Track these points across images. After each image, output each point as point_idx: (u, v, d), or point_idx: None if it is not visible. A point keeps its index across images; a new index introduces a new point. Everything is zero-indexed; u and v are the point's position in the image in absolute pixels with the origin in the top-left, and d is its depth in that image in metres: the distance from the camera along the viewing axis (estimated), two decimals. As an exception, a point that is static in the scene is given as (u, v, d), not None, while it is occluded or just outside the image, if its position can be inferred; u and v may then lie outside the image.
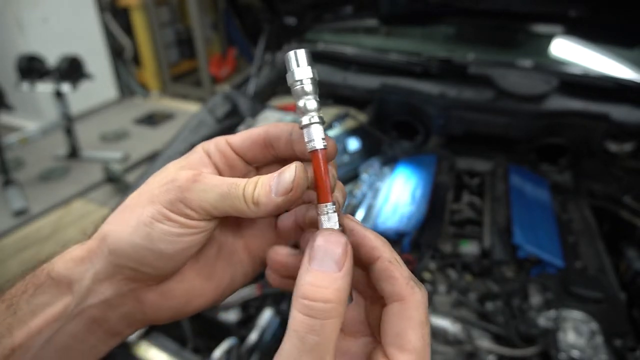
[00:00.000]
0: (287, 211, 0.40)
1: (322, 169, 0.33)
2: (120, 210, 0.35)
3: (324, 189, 0.33)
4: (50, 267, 0.35)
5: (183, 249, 0.34)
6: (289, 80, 0.34)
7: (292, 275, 0.35)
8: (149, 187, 0.35)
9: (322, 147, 0.33)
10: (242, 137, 0.38)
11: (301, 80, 0.33)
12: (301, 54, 0.33)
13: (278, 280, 0.37)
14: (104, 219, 0.36)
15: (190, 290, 0.37)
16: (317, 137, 0.33)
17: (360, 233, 0.33)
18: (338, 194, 0.36)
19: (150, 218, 0.33)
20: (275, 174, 0.33)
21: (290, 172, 0.32)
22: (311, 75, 0.33)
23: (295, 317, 0.27)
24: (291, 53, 0.33)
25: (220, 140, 0.38)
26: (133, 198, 0.35)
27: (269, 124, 0.37)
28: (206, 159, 0.37)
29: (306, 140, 0.33)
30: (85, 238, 0.36)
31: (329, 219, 0.32)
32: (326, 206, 0.32)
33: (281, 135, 0.36)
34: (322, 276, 0.28)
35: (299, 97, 0.34)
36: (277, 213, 0.35)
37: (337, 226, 0.32)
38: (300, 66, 0.33)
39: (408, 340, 0.30)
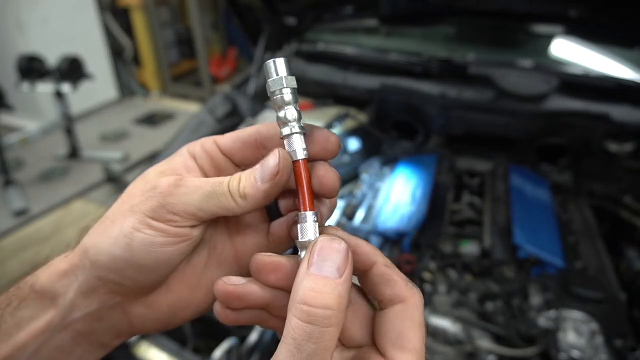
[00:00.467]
0: (280, 215, 0.38)
1: (304, 179, 0.32)
2: (102, 222, 0.34)
3: (304, 197, 0.32)
4: (34, 279, 0.34)
5: (165, 260, 0.33)
6: (269, 90, 0.33)
7: (248, 307, 0.33)
8: (130, 196, 0.34)
9: (303, 157, 0.32)
10: (231, 137, 0.37)
11: (281, 89, 0.32)
12: (280, 62, 0.32)
13: (232, 316, 0.33)
14: (86, 230, 0.35)
15: (177, 303, 0.36)
16: (298, 147, 0.32)
17: (352, 241, 0.32)
18: (323, 207, 0.35)
19: (130, 228, 0.32)
20: (257, 166, 0.33)
21: (274, 157, 0.32)
22: (292, 85, 0.33)
23: (293, 324, 0.26)
24: (270, 62, 0.33)
25: (207, 141, 0.37)
26: (115, 208, 0.34)
27: (260, 124, 0.37)
28: (191, 162, 0.36)
29: (287, 150, 0.33)
30: (68, 249, 0.36)
31: (308, 228, 0.32)
32: (305, 215, 0.32)
33: (274, 136, 0.35)
34: (323, 282, 0.27)
35: (279, 106, 0.33)
36: (266, 203, 0.34)
37: (316, 236, 0.31)
38: (279, 75, 0.32)
39: (409, 340, 0.30)
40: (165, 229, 0.32)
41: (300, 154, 0.32)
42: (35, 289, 0.33)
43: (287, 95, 0.32)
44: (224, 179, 0.33)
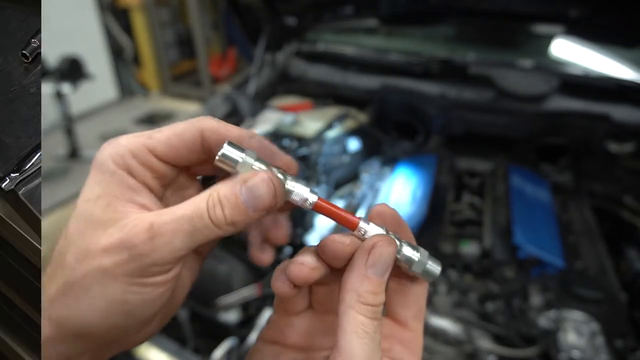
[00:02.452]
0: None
1: (333, 211, 0.33)
2: (67, 289, 0.29)
3: (346, 221, 0.33)
4: None
5: (167, 300, 0.32)
6: (243, 170, 0.31)
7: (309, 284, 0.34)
8: (86, 253, 0.29)
9: (317, 197, 0.33)
10: (167, 143, 0.32)
11: (251, 165, 0.31)
12: (231, 146, 0.31)
13: (291, 292, 0.34)
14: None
15: (166, 315, 0.36)
16: (306, 194, 0.32)
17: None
18: (279, 230, 0.36)
19: (122, 296, 0.29)
20: (236, 185, 0.30)
21: (266, 187, 0.30)
22: (254, 156, 0.31)
23: (362, 321, 0.30)
24: (224, 151, 0.31)
25: (139, 149, 0.32)
26: (74, 271, 0.29)
27: (198, 120, 0.33)
28: (131, 180, 0.32)
29: (300, 203, 0.33)
30: None
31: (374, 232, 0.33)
32: (361, 228, 0.33)
33: (221, 136, 0.32)
34: (378, 282, 0.30)
35: None
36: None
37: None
38: (243, 151, 0.31)
39: (423, 313, 0.36)
40: (158, 282, 0.30)
41: (313, 197, 0.33)
42: None
43: (260, 164, 0.31)
44: (200, 207, 0.30)
